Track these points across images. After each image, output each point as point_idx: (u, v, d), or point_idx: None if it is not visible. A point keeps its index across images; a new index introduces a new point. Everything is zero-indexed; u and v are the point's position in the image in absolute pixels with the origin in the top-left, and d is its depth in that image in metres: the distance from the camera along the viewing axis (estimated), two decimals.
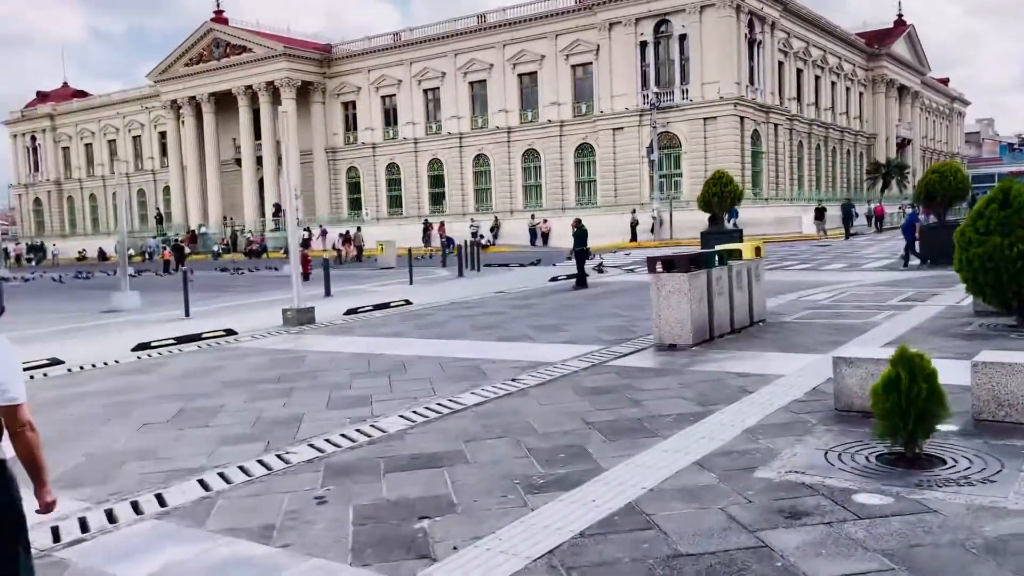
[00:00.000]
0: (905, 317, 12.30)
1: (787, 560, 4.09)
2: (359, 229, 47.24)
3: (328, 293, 20.99)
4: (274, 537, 4.80)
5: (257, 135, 65.25)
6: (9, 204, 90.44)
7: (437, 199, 62.79)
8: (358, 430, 7.15)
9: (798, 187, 59.24)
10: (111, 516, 5.30)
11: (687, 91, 51.51)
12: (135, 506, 5.48)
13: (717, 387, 8.14)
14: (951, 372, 7.40)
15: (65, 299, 25.21)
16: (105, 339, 14.58)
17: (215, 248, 59.36)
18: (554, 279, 22.31)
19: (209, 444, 7.02)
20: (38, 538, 4.57)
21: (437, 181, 62.82)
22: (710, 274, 11.02)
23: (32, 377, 10.72)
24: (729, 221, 33.37)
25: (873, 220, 45.76)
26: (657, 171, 47.24)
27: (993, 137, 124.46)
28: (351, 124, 66.31)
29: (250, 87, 63.85)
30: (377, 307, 17.30)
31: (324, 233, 54.64)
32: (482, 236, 48.89)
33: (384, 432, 7.05)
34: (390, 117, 64.31)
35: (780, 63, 57.69)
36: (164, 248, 44.76)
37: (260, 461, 6.35)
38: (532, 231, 48.44)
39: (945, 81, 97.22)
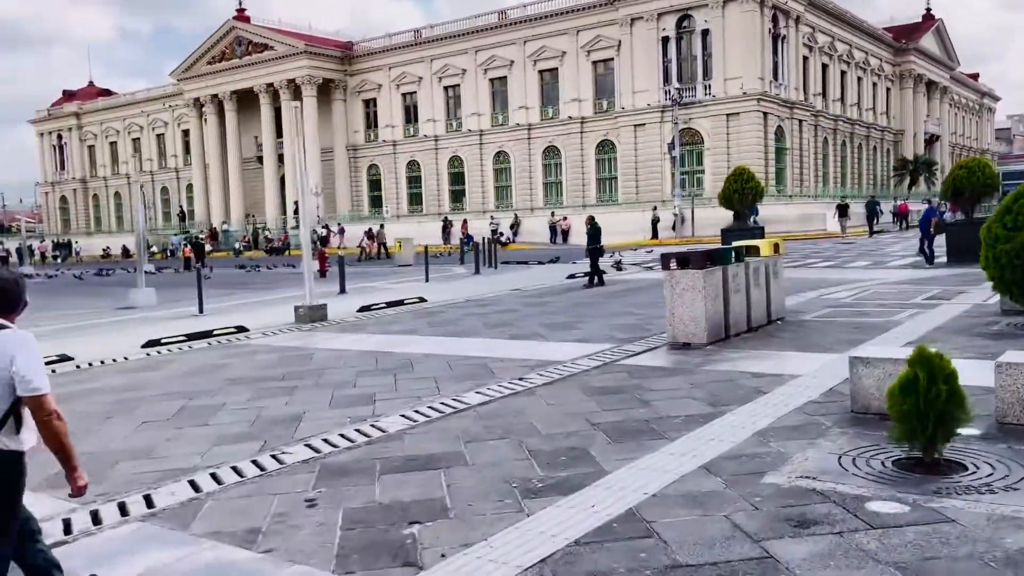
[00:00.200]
0: (928, 316, 11.94)
1: (792, 573, 3.85)
2: (382, 226, 47.29)
3: (343, 290, 20.89)
4: (258, 541, 4.63)
5: (279, 133, 65.40)
6: (36, 202, 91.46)
7: (457, 196, 62.69)
8: (357, 430, 6.98)
9: (823, 184, 58.47)
10: (96, 518, 5.16)
11: (710, 87, 50.96)
12: (122, 507, 5.34)
13: (730, 387, 7.88)
14: (975, 373, 7.10)
15: (83, 296, 25.34)
16: (116, 336, 14.55)
17: (236, 245, 59.68)
18: (571, 276, 22.05)
19: (206, 443, 6.87)
20: None
21: (457, 178, 62.72)
22: (726, 271, 10.74)
23: None
24: (750, 218, 32.92)
25: (897, 217, 45.00)
26: (679, 168, 46.78)
27: None
28: (372, 122, 66.39)
29: (271, 85, 64.11)
30: (390, 304, 17.16)
31: (342, 231, 54.76)
32: (501, 234, 48.71)
33: (384, 432, 6.87)
34: (410, 114, 64.30)
35: (805, 58, 56.93)
36: (185, 245, 44.99)
37: (254, 461, 6.20)
38: (552, 228, 48.15)
39: (975, 76, 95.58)
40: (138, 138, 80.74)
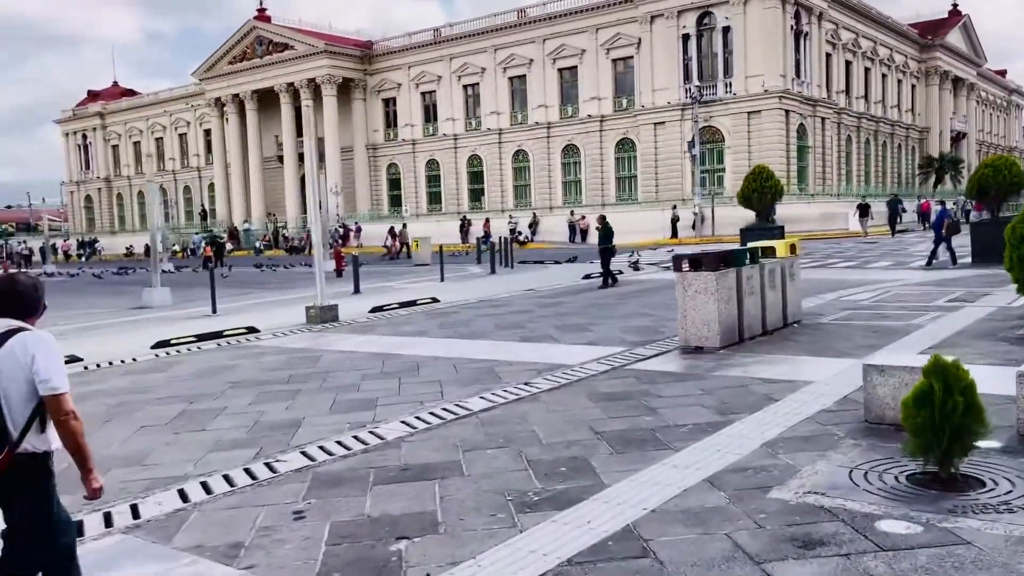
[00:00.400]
0: (951, 319, 11.59)
1: None
2: (404, 225, 47.35)
3: (357, 290, 20.79)
4: (240, 557, 4.47)
5: (299, 132, 65.56)
6: (62, 201, 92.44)
7: (476, 195, 62.54)
8: (355, 437, 6.82)
9: (846, 183, 57.66)
10: (80, 529, 5.01)
11: (730, 84, 50.39)
12: (107, 518, 5.21)
13: (740, 394, 7.63)
14: (997, 380, 6.82)
15: (100, 295, 25.47)
16: (127, 336, 14.52)
17: (257, 244, 59.94)
18: (587, 277, 21.80)
19: (201, 449, 6.74)
20: None
21: (476, 177, 62.57)
22: (740, 273, 10.48)
23: None
24: (765, 217, 32.43)
25: (920, 217, 44.22)
26: (699, 166, 46.31)
27: None
28: (391, 121, 66.38)
29: (292, 84, 64.29)
30: (403, 305, 17.03)
31: (359, 230, 54.85)
32: (520, 232, 48.48)
33: (381, 439, 6.71)
34: (430, 113, 64.22)
35: (828, 55, 56.14)
36: (206, 244, 45.21)
37: (247, 470, 6.05)
38: (571, 227, 47.83)
39: (1003, 73, 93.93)
40: (161, 138, 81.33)
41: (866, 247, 30.19)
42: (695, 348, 10.05)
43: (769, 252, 11.60)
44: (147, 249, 62.39)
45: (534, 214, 51.84)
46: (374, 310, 16.39)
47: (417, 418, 7.36)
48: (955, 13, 73.55)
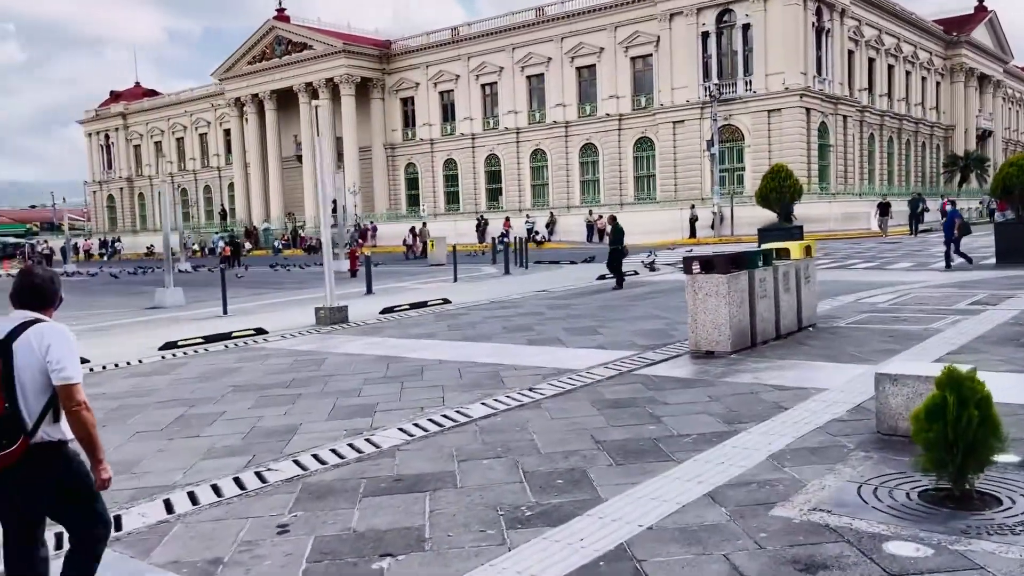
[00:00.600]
0: (972, 323, 11.25)
1: None
2: (424, 225, 47.36)
3: (370, 290, 20.67)
4: (217, 574, 4.31)
5: (318, 131, 65.84)
6: (86, 201, 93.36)
7: (494, 195, 62.41)
8: (350, 445, 6.66)
9: (868, 182, 56.91)
10: (59, 541, 4.88)
11: (750, 82, 49.88)
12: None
13: (749, 402, 7.39)
14: (1019, 389, 6.55)
15: (115, 295, 25.55)
16: (136, 337, 14.47)
17: (276, 244, 60.15)
18: (601, 277, 21.52)
19: (192, 457, 6.60)
20: None
21: (494, 177, 62.43)
22: (752, 275, 10.21)
23: None
24: (784, 216, 32.05)
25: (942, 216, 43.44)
26: (718, 165, 45.85)
27: None
28: (409, 120, 66.42)
29: (310, 84, 64.46)
30: (414, 306, 16.87)
31: (374, 230, 54.93)
32: (537, 232, 48.26)
33: (377, 448, 6.53)
34: (448, 113, 64.17)
35: (850, 52, 55.45)
36: (225, 244, 45.37)
37: (236, 479, 5.90)
38: (589, 227, 47.55)
39: None
40: (182, 138, 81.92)
41: (887, 247, 29.69)
42: (706, 353, 9.80)
43: (783, 254, 11.33)
44: None
45: (551, 213, 51.59)
46: (384, 311, 16.25)
47: (415, 425, 7.18)
48: (981, 9, 72.42)
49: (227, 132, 75.67)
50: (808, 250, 11.69)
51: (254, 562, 4.43)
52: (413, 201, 65.65)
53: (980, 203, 51.80)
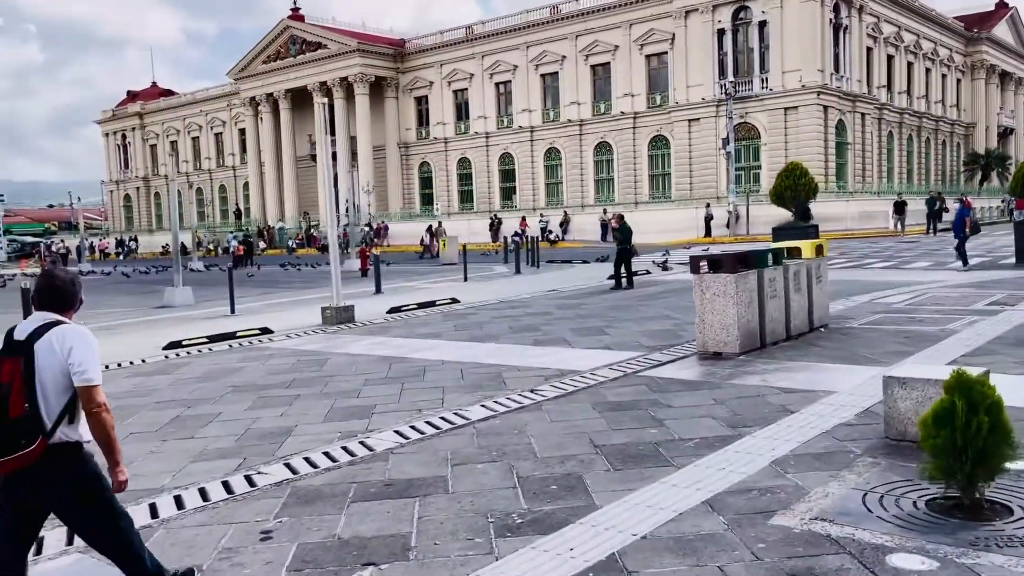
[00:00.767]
0: (989, 324, 10.97)
1: None
2: (440, 224, 47.34)
3: (379, 290, 20.57)
4: None
5: (332, 131, 65.89)
6: (103, 200, 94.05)
7: (508, 194, 62.23)
8: (344, 447, 6.52)
9: (887, 180, 56.24)
10: (39, 546, 4.78)
11: (767, 80, 49.40)
12: (70, 535, 4.95)
13: (755, 405, 7.19)
14: None
15: (126, 294, 25.59)
16: (142, 337, 14.42)
17: (290, 243, 60.28)
18: (612, 277, 21.30)
19: (184, 459, 6.49)
20: None
21: (508, 176, 62.26)
22: (762, 275, 9.99)
23: None
24: (800, 215, 31.62)
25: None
26: (733, 163, 45.44)
27: None
28: (423, 119, 66.36)
29: (325, 83, 64.51)
30: (421, 306, 16.75)
31: (385, 229, 54.99)
32: (551, 231, 48.06)
33: (370, 451, 6.39)
34: (462, 111, 64.04)
35: (869, 49, 54.80)
36: (238, 244, 45.50)
37: (224, 483, 5.78)
38: (603, 226, 47.23)
39: None
40: (197, 137, 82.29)
41: (904, 247, 29.28)
42: (713, 354, 9.60)
43: (795, 253, 11.11)
44: (183, 247, 63.74)
45: (565, 212, 51.32)
46: (392, 311, 16.14)
47: (412, 427, 7.04)
48: (1002, 5, 71.48)
49: (242, 132, 75.93)
50: (820, 249, 11.45)
51: (233, 570, 4.30)
52: (427, 200, 65.58)
53: (1002, 202, 51.07)
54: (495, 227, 49.59)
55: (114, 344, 13.42)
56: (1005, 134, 73.60)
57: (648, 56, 54.47)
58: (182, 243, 64.97)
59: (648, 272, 22.65)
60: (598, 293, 18.25)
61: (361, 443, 6.62)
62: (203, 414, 8.07)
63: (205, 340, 13.16)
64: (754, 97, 49.51)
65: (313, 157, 68.25)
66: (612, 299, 16.79)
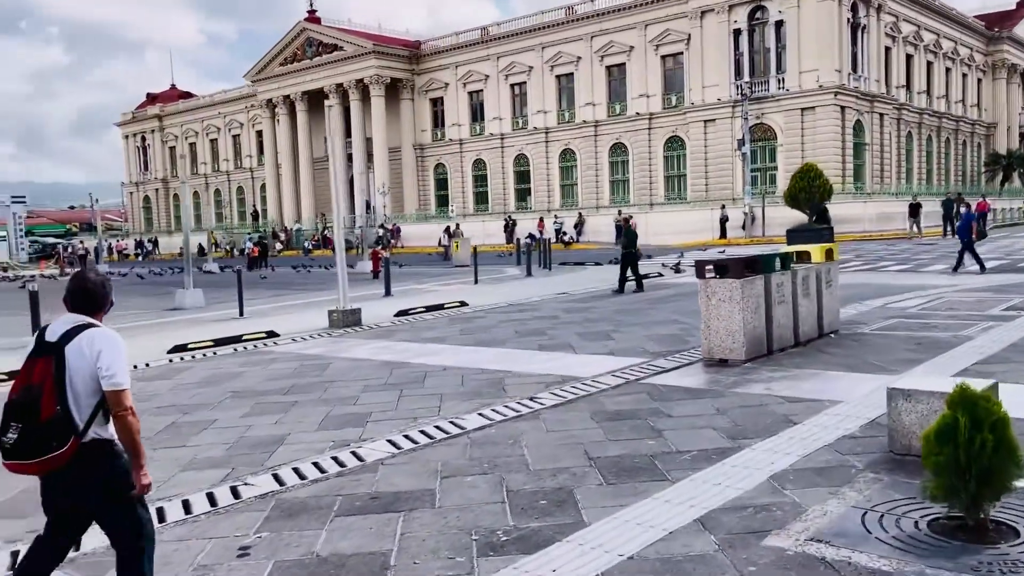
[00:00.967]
0: (1005, 330, 10.69)
1: None
2: (458, 226, 47.35)
3: (388, 292, 20.49)
4: None
5: (348, 133, 66.12)
6: (122, 202, 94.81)
7: (522, 195, 62.09)
8: (334, 458, 6.39)
9: (906, 181, 55.58)
10: (14, 561, 4.69)
11: (783, 80, 48.95)
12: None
13: (758, 415, 7.00)
14: None
15: (139, 296, 25.66)
16: (149, 340, 14.37)
17: (306, 244, 60.46)
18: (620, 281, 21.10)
19: (173, 468, 6.39)
20: None
21: (523, 177, 62.11)
22: (769, 280, 9.79)
23: None
24: (812, 217, 31.31)
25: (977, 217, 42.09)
26: (749, 165, 45.06)
27: None
28: (439, 120, 66.35)
29: (341, 85, 64.66)
30: (429, 309, 16.64)
31: (398, 230, 55.05)
32: (565, 233, 47.86)
33: (360, 462, 6.26)
34: (477, 113, 63.97)
35: (887, 48, 54.20)
36: (253, 245, 45.66)
37: (209, 494, 5.66)
38: (618, 228, 46.96)
39: None
40: (215, 139, 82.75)
41: (922, 249, 28.85)
42: (719, 361, 9.41)
43: (804, 257, 10.90)
44: (200, 249, 64.26)
45: (579, 214, 51.08)
46: (399, 314, 16.04)
47: (405, 437, 6.91)
48: None
49: (259, 133, 76.24)
50: (830, 253, 11.21)
51: None
52: (442, 201, 65.57)
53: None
54: (510, 228, 49.43)
55: None
56: None
57: (664, 57, 54.16)
58: (199, 244, 65.59)
59: (660, 275, 22.43)
60: (608, 296, 18.07)
61: (352, 453, 6.50)
62: (198, 421, 7.99)
63: (210, 343, 13.11)
64: (770, 98, 49.09)
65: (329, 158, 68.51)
66: (621, 303, 16.60)
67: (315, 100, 67.43)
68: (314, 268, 37.21)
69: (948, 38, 61.30)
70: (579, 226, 49.10)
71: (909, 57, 57.34)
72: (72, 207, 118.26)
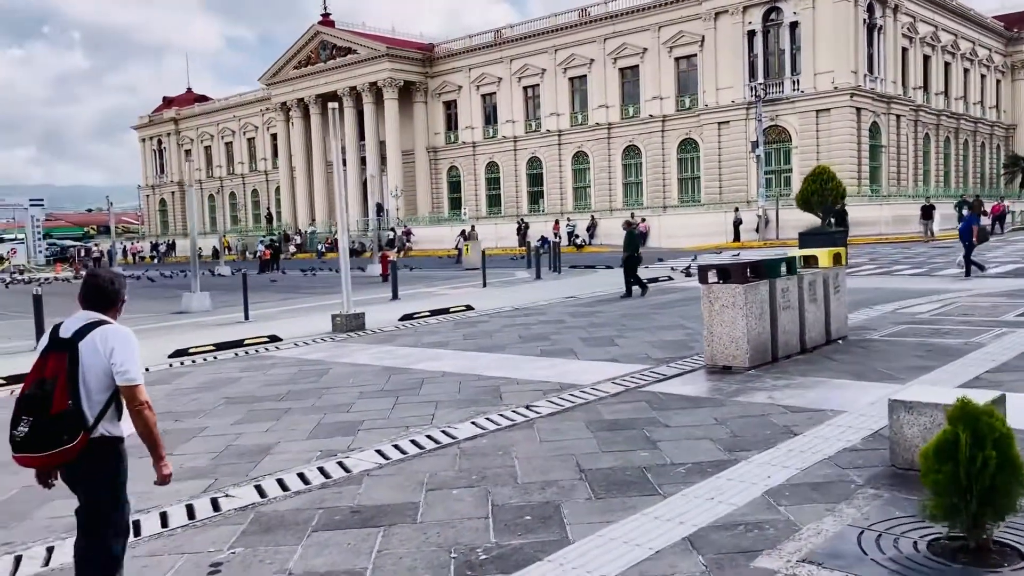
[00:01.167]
0: (1019, 336, 10.41)
1: None
2: (473, 228, 47.29)
3: (395, 296, 20.38)
4: None
5: (361, 136, 66.25)
6: (139, 205, 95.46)
7: (535, 198, 61.93)
8: (320, 468, 6.24)
9: (923, 183, 54.95)
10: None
11: (798, 82, 48.52)
12: (17, 562, 4.74)
13: (757, 425, 6.79)
14: None
15: (147, 299, 25.70)
16: (150, 344, 14.25)
17: (320, 247, 60.56)
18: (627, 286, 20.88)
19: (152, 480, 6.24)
20: None
21: (535, 180, 61.96)
22: (774, 285, 9.56)
23: None
24: (826, 220, 30.93)
25: (993, 220, 41.50)
26: (763, 167, 44.67)
27: None
28: (452, 123, 66.33)
29: (354, 88, 64.78)
30: (434, 313, 16.50)
31: (408, 233, 55.06)
32: (577, 236, 47.65)
33: (346, 473, 6.11)
34: (490, 115, 63.90)
35: (904, 49, 53.62)
36: (265, 248, 45.76)
37: (188, 507, 5.53)
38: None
39: None
40: (230, 142, 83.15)
41: (937, 252, 28.41)
42: (722, 368, 9.19)
43: (811, 261, 10.66)
44: (214, 251, 64.49)
45: (592, 217, 50.84)
46: (404, 318, 15.90)
47: (395, 446, 6.75)
48: None
49: (274, 136, 76.54)
50: (838, 258, 10.96)
51: None
52: (455, 204, 65.53)
53: None
54: (522, 231, 49.30)
55: None
56: None
57: (677, 58, 53.86)
58: (213, 247, 65.79)
59: (670, 278, 22.19)
60: (615, 300, 17.86)
61: (339, 464, 6.34)
62: (189, 428, 7.87)
63: (212, 348, 13.04)
64: (785, 99, 48.68)
65: (343, 161, 68.62)
66: (627, 307, 16.39)
67: (329, 103, 67.54)
68: (324, 271, 37.15)
69: (966, 39, 60.60)
70: (592, 229, 48.85)
71: (927, 58, 56.71)
72: (90, 210, 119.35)
